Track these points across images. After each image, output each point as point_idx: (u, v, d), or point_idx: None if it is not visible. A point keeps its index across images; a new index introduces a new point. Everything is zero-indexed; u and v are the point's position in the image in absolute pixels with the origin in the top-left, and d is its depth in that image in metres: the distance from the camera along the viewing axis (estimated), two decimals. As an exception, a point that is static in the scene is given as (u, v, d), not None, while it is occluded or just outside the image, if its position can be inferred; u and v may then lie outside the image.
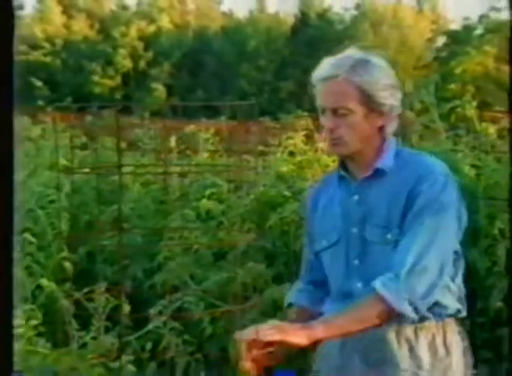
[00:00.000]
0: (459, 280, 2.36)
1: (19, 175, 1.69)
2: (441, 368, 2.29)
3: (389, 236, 2.26)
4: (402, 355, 2.28)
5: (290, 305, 2.52)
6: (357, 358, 2.33)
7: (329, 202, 2.42)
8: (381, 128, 2.30)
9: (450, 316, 2.33)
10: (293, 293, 2.55)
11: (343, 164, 2.37)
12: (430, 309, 2.25)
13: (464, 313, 2.37)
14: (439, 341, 2.31)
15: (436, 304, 2.27)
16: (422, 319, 2.25)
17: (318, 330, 2.15)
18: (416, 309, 2.16)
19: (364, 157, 2.31)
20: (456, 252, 2.32)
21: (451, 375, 2.31)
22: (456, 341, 2.35)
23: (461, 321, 2.39)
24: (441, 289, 2.27)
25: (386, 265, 2.22)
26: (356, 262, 2.31)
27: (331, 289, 2.44)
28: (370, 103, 2.25)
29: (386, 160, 2.31)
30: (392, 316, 2.18)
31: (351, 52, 2.32)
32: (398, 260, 2.19)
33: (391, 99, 2.28)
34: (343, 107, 2.24)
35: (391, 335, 2.27)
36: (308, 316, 2.40)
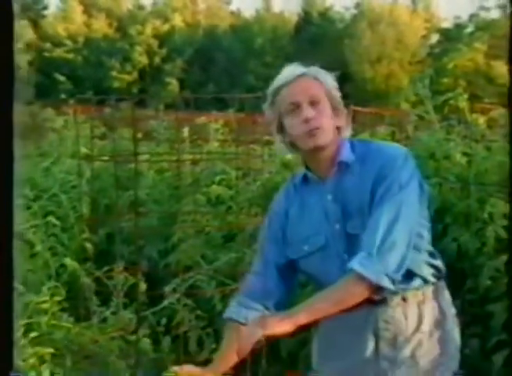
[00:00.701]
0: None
1: (18, 171, 1.66)
2: (440, 332, 2.33)
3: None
4: (409, 328, 2.29)
5: (229, 319, 2.41)
6: (366, 337, 2.31)
7: (301, 209, 2.39)
8: (339, 129, 2.32)
9: (440, 278, 2.36)
10: (234, 307, 2.45)
11: (307, 169, 2.37)
12: (421, 275, 2.30)
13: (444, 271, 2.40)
14: (436, 306, 2.33)
15: (430, 267, 2.32)
16: (420, 286, 2.30)
17: (300, 317, 2.14)
18: (393, 281, 2.16)
19: (329, 153, 2.30)
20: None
21: (448, 337, 2.35)
22: (449, 304, 2.38)
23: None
24: (425, 254, 2.32)
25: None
26: (346, 256, 2.27)
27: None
28: (332, 99, 2.31)
29: (345, 154, 2.32)
30: (371, 293, 2.19)
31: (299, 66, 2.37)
32: (367, 240, 2.19)
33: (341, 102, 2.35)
34: (318, 96, 2.27)
35: (399, 313, 2.28)
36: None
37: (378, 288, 2.17)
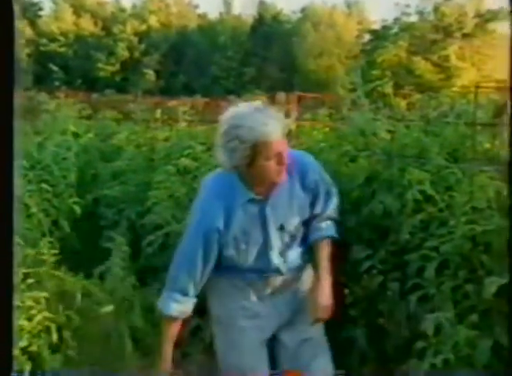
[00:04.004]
0: None
1: (17, 147, 1.62)
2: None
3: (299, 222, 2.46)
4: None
5: (170, 316, 2.33)
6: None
7: (243, 222, 2.31)
8: None
9: None
10: (173, 304, 2.33)
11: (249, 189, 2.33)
12: None
13: None
14: None
15: None
16: None
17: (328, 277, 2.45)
18: None
19: None
20: None
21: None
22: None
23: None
24: None
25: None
26: (270, 250, 2.38)
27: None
28: None
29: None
30: None
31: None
32: (326, 213, 2.51)
33: None
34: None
35: None
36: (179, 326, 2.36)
37: None
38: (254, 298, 2.44)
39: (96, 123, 5.85)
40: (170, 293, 2.33)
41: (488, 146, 3.17)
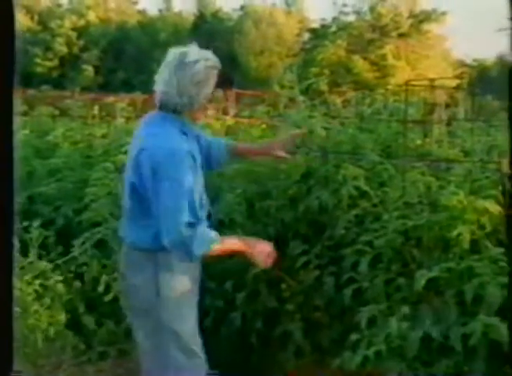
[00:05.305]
0: None
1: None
2: None
3: None
4: None
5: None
6: None
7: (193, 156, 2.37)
8: None
9: None
10: (213, 234, 2.32)
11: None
12: None
13: None
14: None
15: None
16: None
17: None
18: None
19: None
20: None
21: None
22: None
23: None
24: None
25: None
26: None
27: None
28: None
29: None
30: None
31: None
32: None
33: None
34: None
35: None
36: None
37: None
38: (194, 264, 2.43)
39: (32, 119, 5.71)
40: (200, 230, 2.25)
41: (419, 142, 3.24)
